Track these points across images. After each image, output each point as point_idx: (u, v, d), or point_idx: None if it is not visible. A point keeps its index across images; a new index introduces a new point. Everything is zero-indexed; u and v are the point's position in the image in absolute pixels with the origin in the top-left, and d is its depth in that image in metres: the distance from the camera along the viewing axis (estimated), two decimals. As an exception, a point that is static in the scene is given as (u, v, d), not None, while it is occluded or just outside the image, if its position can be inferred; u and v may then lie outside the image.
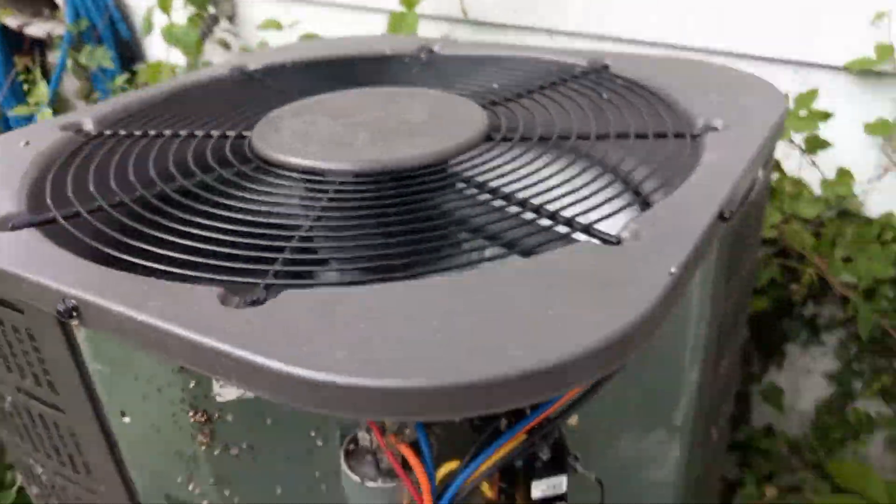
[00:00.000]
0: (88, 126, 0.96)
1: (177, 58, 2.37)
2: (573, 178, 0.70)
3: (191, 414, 0.56)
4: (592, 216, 0.63)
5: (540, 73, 1.02)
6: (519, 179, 0.71)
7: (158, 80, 2.21)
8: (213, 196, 0.73)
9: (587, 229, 0.61)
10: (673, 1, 1.47)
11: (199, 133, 0.91)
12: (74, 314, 0.56)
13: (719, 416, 0.88)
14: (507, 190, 0.69)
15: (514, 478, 0.56)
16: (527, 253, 0.60)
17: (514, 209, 0.67)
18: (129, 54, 2.84)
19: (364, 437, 0.56)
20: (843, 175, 1.31)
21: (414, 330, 0.48)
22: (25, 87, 2.57)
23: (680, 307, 0.63)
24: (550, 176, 0.71)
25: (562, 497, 0.56)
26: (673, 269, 0.53)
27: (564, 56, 1.06)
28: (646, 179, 0.72)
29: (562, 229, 0.63)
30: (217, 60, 2.51)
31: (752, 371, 1.73)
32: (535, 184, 0.70)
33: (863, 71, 1.27)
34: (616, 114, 0.85)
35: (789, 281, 1.38)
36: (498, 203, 0.68)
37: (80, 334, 0.59)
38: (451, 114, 0.85)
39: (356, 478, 0.55)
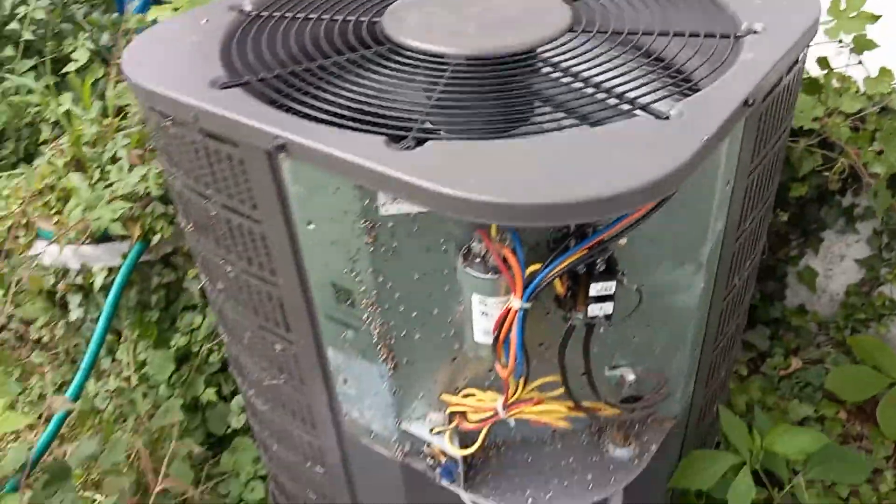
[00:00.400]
0: (248, 7, 1.19)
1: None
2: (639, 66, 0.91)
3: (363, 221, 0.83)
4: (649, 97, 0.84)
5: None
6: (594, 66, 0.92)
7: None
8: (360, 69, 0.97)
9: (645, 107, 0.83)
10: None
11: (338, 18, 1.13)
12: (283, 149, 0.82)
13: (742, 269, 1.11)
14: (585, 74, 0.91)
15: (578, 280, 0.82)
16: (596, 123, 0.83)
17: (590, 90, 0.89)
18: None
19: (475, 246, 0.83)
20: (884, 73, 1.45)
21: (516, 169, 0.73)
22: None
23: (710, 167, 0.85)
24: (621, 64, 0.93)
25: (611, 297, 0.82)
26: (705, 138, 0.75)
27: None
28: (696, 69, 0.92)
29: (625, 107, 0.85)
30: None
31: (790, 253, 1.93)
32: (607, 70, 0.91)
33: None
34: (678, 14, 1.04)
35: (828, 170, 1.55)
36: (577, 84, 0.90)
37: (285, 164, 0.86)
38: (542, 8, 1.05)
39: (472, 271, 0.82)
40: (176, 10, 2.30)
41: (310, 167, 0.83)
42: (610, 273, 0.81)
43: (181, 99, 0.92)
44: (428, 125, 0.84)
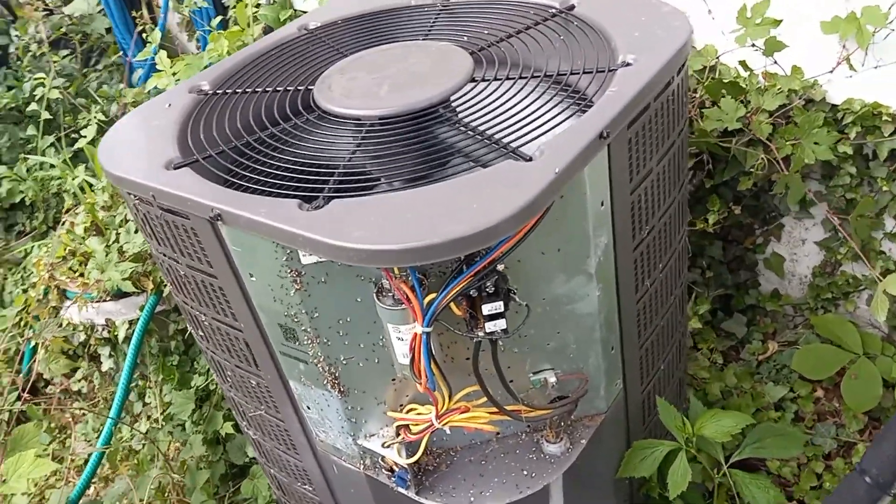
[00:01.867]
0: (206, 87, 1.37)
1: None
2: (522, 107, 1.05)
3: (288, 270, 0.99)
4: (523, 140, 0.98)
5: (523, 15, 1.33)
6: (484, 114, 1.06)
7: (246, 15, 2.59)
8: (292, 139, 1.13)
9: (515, 151, 0.97)
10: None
11: (280, 89, 1.30)
12: (219, 219, 0.99)
13: (653, 273, 1.22)
14: (473, 123, 1.05)
15: (473, 302, 0.96)
16: (485, 165, 0.97)
17: (476, 137, 1.03)
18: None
19: (385, 283, 0.97)
20: (795, 70, 1.55)
21: (396, 218, 0.87)
22: (144, 35, 3.03)
23: (575, 193, 0.98)
24: (508, 108, 1.07)
25: (502, 315, 0.96)
26: (556, 170, 0.89)
27: (543, -2, 1.36)
28: (571, 105, 1.05)
29: (503, 151, 0.99)
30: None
31: (756, 242, 2.02)
32: (493, 117, 1.05)
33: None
34: (568, 51, 1.17)
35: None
36: (465, 133, 1.04)
37: (223, 229, 1.02)
38: (446, 64, 1.20)
39: (382, 305, 0.97)
40: (174, 75, 2.52)
41: (240, 231, 0.99)
42: (497, 294, 0.95)
43: (139, 181, 1.09)
44: (336, 186, 0.99)
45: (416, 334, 0.94)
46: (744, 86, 1.60)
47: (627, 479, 1.33)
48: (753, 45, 1.54)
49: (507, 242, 0.92)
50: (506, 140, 1.00)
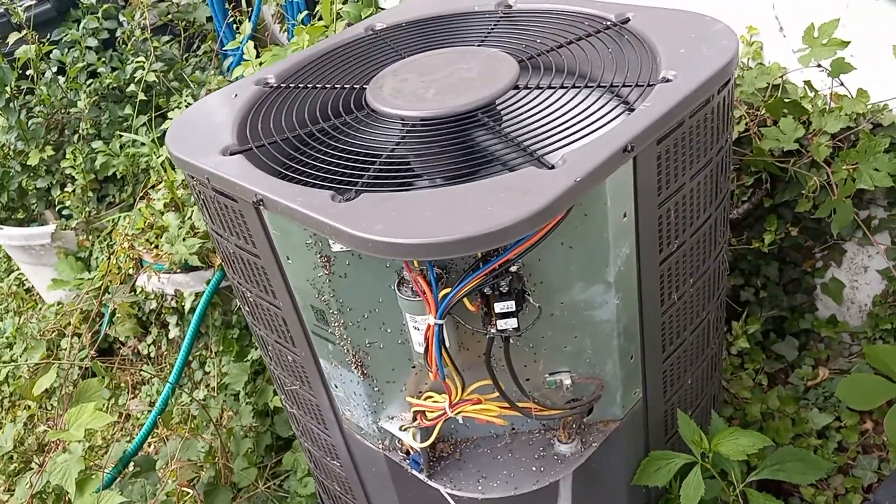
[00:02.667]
0: (272, 80, 1.46)
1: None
2: (555, 116, 1.08)
3: (319, 255, 1.06)
4: (550, 148, 1.02)
5: (577, 26, 1.35)
6: (518, 121, 1.10)
7: (330, 10, 2.70)
8: (340, 134, 1.20)
9: (539, 159, 1.00)
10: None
11: (338, 86, 1.38)
12: (262, 204, 1.07)
13: (681, 287, 1.22)
14: (506, 129, 1.09)
15: (488, 300, 1.01)
16: (512, 170, 1.02)
17: (507, 144, 1.07)
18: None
19: (405, 274, 1.03)
20: (861, 94, 1.50)
21: (418, 213, 0.93)
22: (235, 26, 3.21)
23: (596, 203, 1.00)
24: (541, 117, 1.10)
25: (513, 314, 1.00)
26: (575, 180, 0.92)
27: (602, 10, 1.38)
28: (606, 115, 1.08)
29: (529, 157, 1.02)
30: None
31: (815, 265, 1.97)
32: (526, 124, 1.09)
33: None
34: (614, 64, 1.19)
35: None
36: (499, 139, 1.09)
37: (266, 214, 1.11)
38: (493, 71, 1.24)
39: (401, 295, 1.02)
40: (261, 65, 2.66)
41: (279, 217, 1.07)
42: (510, 294, 0.99)
43: (197, 164, 1.19)
44: (369, 181, 1.05)
45: (429, 325, 1.00)
46: (807, 106, 1.56)
47: (644, 487, 1.34)
48: (819, 66, 1.51)
49: (522, 245, 0.96)
50: (533, 147, 1.03)
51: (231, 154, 1.20)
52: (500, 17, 1.51)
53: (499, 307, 0.99)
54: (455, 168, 1.08)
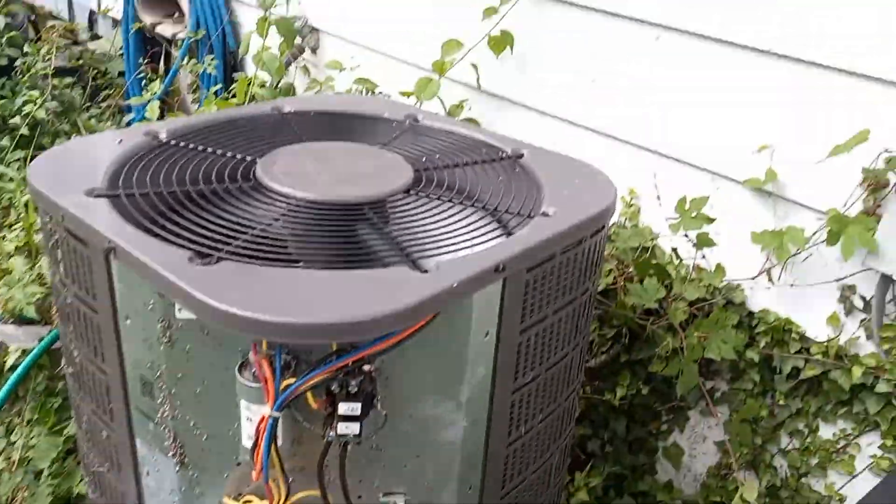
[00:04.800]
0: (163, 135, 1.40)
1: (265, 75, 2.84)
2: (438, 227, 1.09)
3: (160, 321, 0.97)
4: (427, 254, 1.01)
5: (475, 151, 1.40)
6: (402, 224, 1.10)
7: (245, 91, 2.70)
8: (219, 200, 1.15)
9: (414, 262, 0.99)
10: (630, 99, 1.83)
11: (229, 154, 1.34)
12: (113, 252, 0.98)
13: (530, 420, 1.20)
14: (388, 229, 1.08)
15: (334, 399, 0.94)
16: (386, 265, 0.99)
17: (386, 240, 1.05)
18: (232, 63, 3.36)
19: (251, 357, 0.96)
20: (718, 269, 1.63)
21: (278, 291, 0.87)
22: (144, 82, 3.13)
23: (460, 316, 0.99)
24: (424, 224, 1.10)
25: (357, 418, 0.94)
26: (447, 285, 0.90)
27: (500, 142, 1.44)
28: (486, 235, 1.09)
29: (404, 259, 1.01)
30: (299, 83, 3.00)
31: (660, 428, 2.03)
32: (408, 228, 1.09)
33: (755, 188, 1.59)
34: (502, 191, 1.23)
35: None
36: (379, 235, 1.07)
37: (114, 265, 1.01)
38: (389, 173, 1.25)
39: (241, 379, 0.94)
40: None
41: (128, 270, 0.98)
42: (357, 395, 0.93)
43: (55, 199, 1.09)
44: (236, 250, 1.00)
45: (264, 416, 0.91)
46: (671, 272, 1.67)
47: None
48: (686, 236, 1.62)
49: (380, 344, 0.92)
50: (411, 250, 1.02)
51: (96, 196, 1.11)
52: (407, 128, 1.55)
53: (343, 408, 0.93)
54: (330, 256, 1.04)
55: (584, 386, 1.77)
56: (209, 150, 1.36)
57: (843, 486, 1.65)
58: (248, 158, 1.32)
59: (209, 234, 1.02)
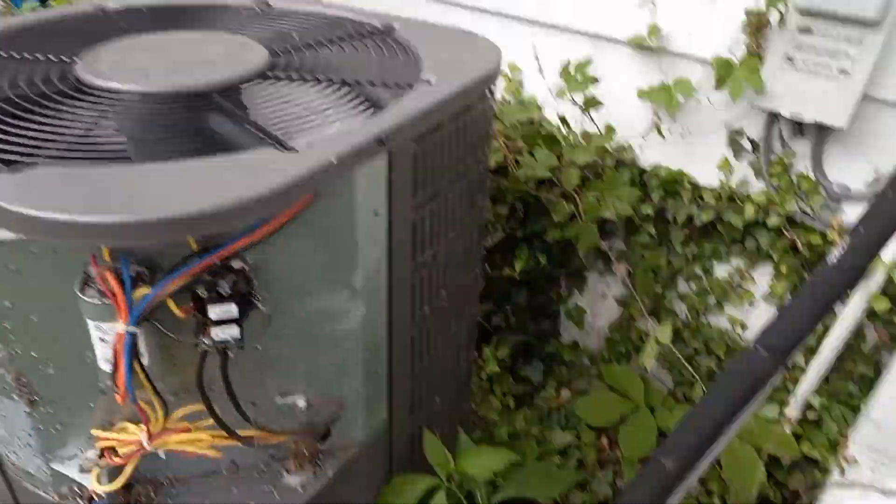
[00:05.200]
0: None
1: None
2: (305, 106, 0.95)
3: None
4: (294, 133, 0.88)
5: (340, 28, 1.26)
6: (262, 108, 0.96)
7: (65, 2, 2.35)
8: (31, 104, 0.96)
9: (280, 142, 0.86)
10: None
11: (42, 58, 1.12)
12: None
13: (434, 300, 1.14)
14: (245, 113, 0.94)
15: (203, 303, 0.82)
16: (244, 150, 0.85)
17: (244, 128, 0.91)
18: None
19: (91, 271, 0.81)
20: (608, 130, 1.60)
21: (116, 190, 0.73)
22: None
23: (343, 197, 0.88)
24: (288, 105, 0.96)
25: (235, 321, 0.82)
26: (318, 162, 0.78)
27: (367, 18, 1.30)
28: (362, 110, 0.97)
29: (269, 141, 0.87)
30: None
31: (561, 292, 2.04)
32: (270, 111, 0.95)
33: (638, 45, 1.55)
34: (371, 66, 1.10)
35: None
36: (232, 122, 0.93)
37: None
38: (240, 57, 1.08)
39: (83, 297, 0.80)
40: None
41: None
42: (232, 297, 0.82)
43: None
44: (54, 154, 0.82)
45: (119, 334, 0.79)
46: (559, 139, 1.62)
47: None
48: (573, 100, 1.57)
49: (250, 236, 0.80)
50: (275, 131, 0.89)
51: None
52: (258, 14, 1.37)
53: (215, 312, 0.81)
54: (175, 152, 0.89)
55: (483, 263, 1.73)
56: (16, 55, 1.14)
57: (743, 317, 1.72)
58: (66, 59, 1.12)
59: (18, 140, 0.84)
